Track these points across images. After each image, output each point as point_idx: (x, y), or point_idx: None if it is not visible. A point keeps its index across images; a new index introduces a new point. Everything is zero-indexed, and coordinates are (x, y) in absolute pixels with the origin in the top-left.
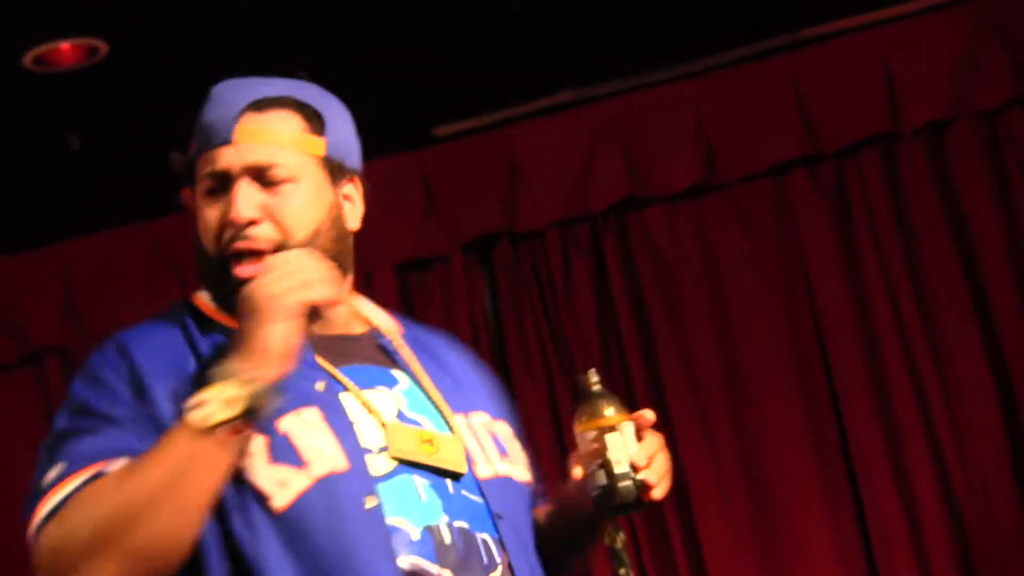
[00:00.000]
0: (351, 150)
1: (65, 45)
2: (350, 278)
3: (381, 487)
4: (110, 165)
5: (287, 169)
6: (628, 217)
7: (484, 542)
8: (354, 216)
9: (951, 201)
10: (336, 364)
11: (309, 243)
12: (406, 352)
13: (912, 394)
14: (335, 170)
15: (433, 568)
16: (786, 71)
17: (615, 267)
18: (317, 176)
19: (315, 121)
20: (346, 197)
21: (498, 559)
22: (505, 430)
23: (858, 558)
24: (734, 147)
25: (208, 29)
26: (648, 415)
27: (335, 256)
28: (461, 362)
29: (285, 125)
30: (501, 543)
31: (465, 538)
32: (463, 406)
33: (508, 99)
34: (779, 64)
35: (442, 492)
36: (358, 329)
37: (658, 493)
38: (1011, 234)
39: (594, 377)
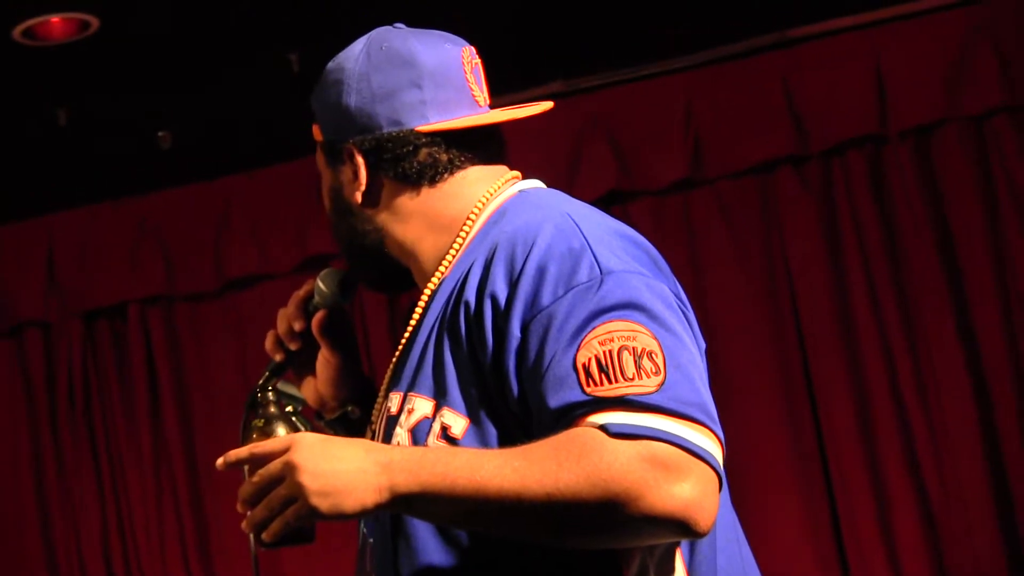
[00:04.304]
0: (340, 116)
1: (56, 19)
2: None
3: None
4: (97, 140)
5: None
6: (613, 210)
7: None
8: (353, 189)
9: (936, 204)
10: None
11: (335, 237)
12: None
13: (889, 393)
14: (331, 150)
15: None
16: (776, 69)
17: None
18: (321, 164)
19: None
20: (343, 172)
21: None
22: None
23: (829, 547)
24: (721, 143)
25: (199, 6)
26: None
27: (346, 239)
28: None
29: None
30: None
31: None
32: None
33: (498, 88)
34: (769, 62)
35: None
36: None
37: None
38: (994, 238)
39: (272, 395)
